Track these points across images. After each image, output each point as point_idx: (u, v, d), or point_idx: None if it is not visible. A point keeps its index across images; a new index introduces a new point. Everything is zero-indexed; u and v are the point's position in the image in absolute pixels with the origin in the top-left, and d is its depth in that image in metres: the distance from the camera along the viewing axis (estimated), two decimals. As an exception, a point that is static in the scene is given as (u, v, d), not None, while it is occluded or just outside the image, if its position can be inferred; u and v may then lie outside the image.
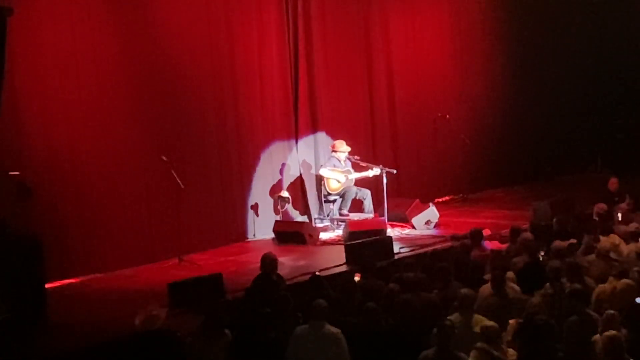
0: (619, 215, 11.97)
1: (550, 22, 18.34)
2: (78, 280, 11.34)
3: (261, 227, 13.72)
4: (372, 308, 7.95)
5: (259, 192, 13.87)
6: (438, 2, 16.84)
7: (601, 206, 11.96)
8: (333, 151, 14.04)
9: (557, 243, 10.05)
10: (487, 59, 17.56)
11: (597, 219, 11.78)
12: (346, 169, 13.98)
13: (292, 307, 8.41)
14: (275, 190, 14.06)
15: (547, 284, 8.55)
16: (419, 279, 9.03)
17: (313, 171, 14.55)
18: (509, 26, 17.81)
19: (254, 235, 13.69)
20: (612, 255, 9.50)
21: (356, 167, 14.05)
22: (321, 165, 14.12)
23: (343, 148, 13.96)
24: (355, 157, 14.04)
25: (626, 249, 9.88)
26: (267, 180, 14.02)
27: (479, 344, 7.06)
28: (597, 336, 7.25)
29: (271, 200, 13.96)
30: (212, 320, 7.90)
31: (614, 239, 9.89)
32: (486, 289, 8.81)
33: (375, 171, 13.69)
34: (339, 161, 13.95)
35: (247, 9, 13.71)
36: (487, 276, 9.12)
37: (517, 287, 8.79)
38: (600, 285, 8.72)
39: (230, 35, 13.45)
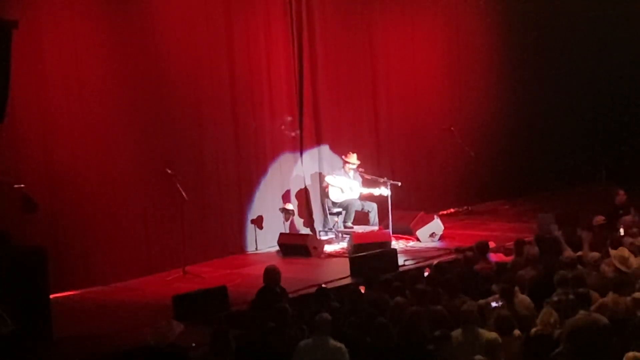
0: (622, 228, 11.87)
1: (552, 33, 18.30)
2: (80, 292, 11.31)
3: (267, 239, 13.68)
4: (382, 322, 7.89)
5: (266, 204, 13.85)
6: (436, 15, 16.77)
7: (599, 218, 11.89)
8: (345, 162, 14.07)
9: (568, 253, 10.01)
10: (488, 71, 17.52)
11: (595, 231, 11.71)
12: (354, 181, 13.96)
13: (293, 319, 8.37)
14: (285, 200, 14.06)
15: (554, 293, 8.51)
16: (427, 292, 8.99)
17: (317, 183, 14.54)
18: (510, 38, 17.77)
19: (256, 248, 13.65)
20: (621, 267, 9.46)
21: (363, 182, 14.03)
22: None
23: (351, 159, 13.96)
24: (360, 169, 14.03)
25: (635, 261, 9.83)
26: (275, 191, 14.03)
27: (477, 357, 6.96)
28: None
29: (279, 212, 13.93)
30: (219, 333, 7.86)
31: (624, 251, 9.83)
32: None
33: (382, 191, 13.62)
34: (347, 173, 13.96)
35: (253, 24, 13.73)
36: (495, 288, 9.07)
37: (527, 300, 8.74)
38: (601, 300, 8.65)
39: (232, 49, 13.43)
